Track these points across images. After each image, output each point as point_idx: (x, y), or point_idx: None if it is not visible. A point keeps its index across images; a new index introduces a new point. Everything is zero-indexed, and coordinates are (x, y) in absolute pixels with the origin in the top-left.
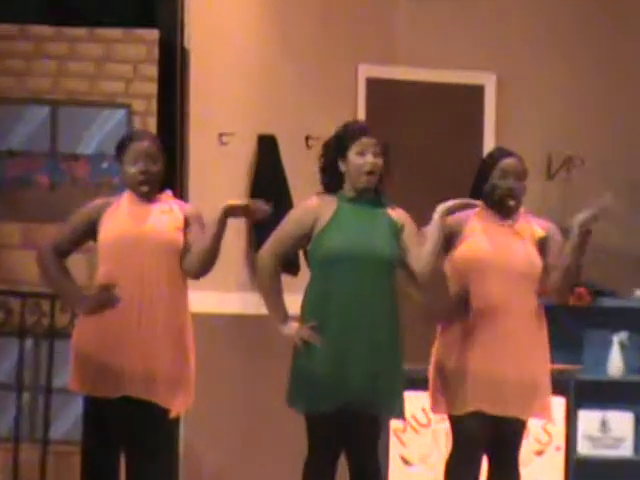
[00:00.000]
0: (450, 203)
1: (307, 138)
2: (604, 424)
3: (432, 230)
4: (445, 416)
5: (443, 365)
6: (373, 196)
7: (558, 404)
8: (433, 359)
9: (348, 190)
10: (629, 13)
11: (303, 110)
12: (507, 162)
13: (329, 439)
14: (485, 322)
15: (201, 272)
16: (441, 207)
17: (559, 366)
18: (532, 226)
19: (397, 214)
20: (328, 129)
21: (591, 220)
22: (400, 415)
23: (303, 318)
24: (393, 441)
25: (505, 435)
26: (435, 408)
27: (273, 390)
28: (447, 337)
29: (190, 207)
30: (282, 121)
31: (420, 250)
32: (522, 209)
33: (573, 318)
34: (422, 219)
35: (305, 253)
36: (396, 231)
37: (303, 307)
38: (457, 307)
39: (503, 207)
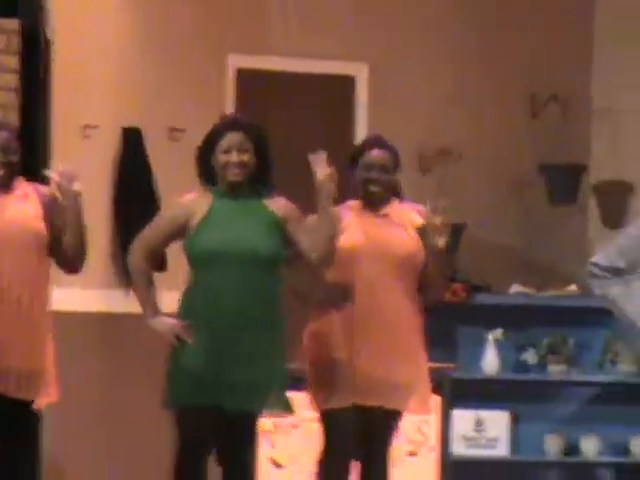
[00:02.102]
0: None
1: (173, 130)
2: (479, 423)
3: (322, 216)
4: (317, 414)
5: (318, 358)
6: (248, 190)
7: (432, 403)
8: (308, 353)
9: (221, 185)
10: (504, 3)
11: (170, 102)
12: (372, 154)
13: (200, 436)
14: (363, 313)
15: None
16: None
17: (433, 364)
18: (410, 214)
19: (278, 206)
20: (196, 121)
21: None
22: (288, 411)
23: (179, 315)
24: (262, 443)
25: (378, 429)
26: (311, 404)
27: (137, 389)
28: (322, 329)
29: (46, 189)
30: (147, 113)
31: (313, 237)
32: (397, 200)
33: (448, 315)
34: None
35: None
36: (277, 224)
37: (180, 304)
38: (335, 298)
39: (369, 197)
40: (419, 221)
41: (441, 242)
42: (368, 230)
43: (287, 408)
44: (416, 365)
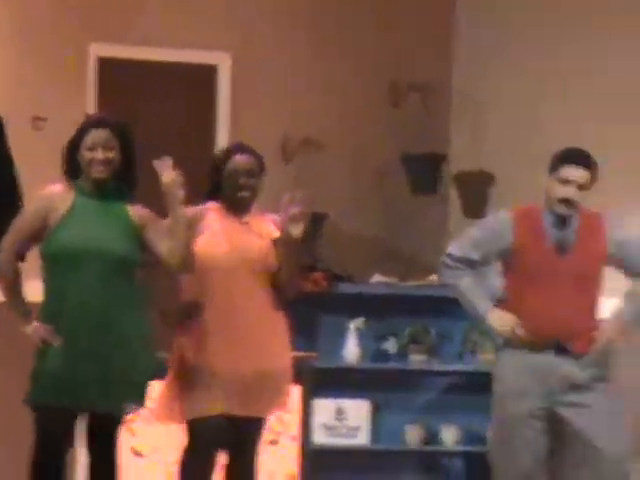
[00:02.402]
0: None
1: (35, 119)
2: (340, 412)
3: (174, 221)
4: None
5: (181, 367)
6: (112, 188)
7: (293, 393)
8: (172, 365)
9: (85, 182)
10: None
11: (31, 90)
12: (237, 159)
13: (56, 435)
14: (222, 320)
15: None
16: (172, 196)
17: (295, 353)
18: (267, 225)
19: (137, 211)
20: (58, 110)
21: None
22: (140, 405)
23: (40, 316)
24: (123, 432)
25: (245, 433)
26: (168, 415)
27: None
28: (184, 336)
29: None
30: (9, 101)
31: (170, 243)
32: (255, 207)
33: (309, 304)
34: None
35: None
36: (134, 228)
37: (40, 305)
38: (192, 306)
39: (238, 202)
40: (275, 234)
41: (297, 231)
42: (230, 236)
43: (140, 403)
44: (281, 368)
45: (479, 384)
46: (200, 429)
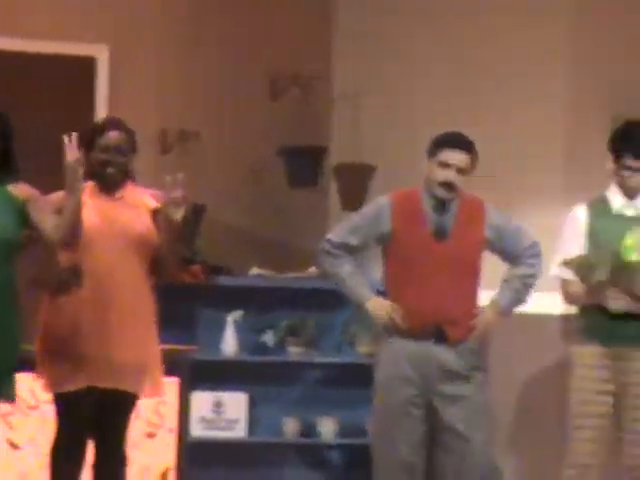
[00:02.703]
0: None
1: None
2: (218, 405)
3: (68, 197)
4: (52, 396)
5: (50, 340)
6: None
7: (171, 385)
8: (40, 335)
9: None
10: None
11: None
12: (108, 135)
13: None
14: (95, 295)
15: None
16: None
17: (172, 346)
18: (145, 198)
19: (19, 190)
20: None
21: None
22: (9, 398)
23: None
24: (1, 425)
25: (113, 412)
26: (43, 386)
27: None
28: (55, 310)
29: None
30: None
31: (57, 219)
32: (130, 183)
33: (187, 296)
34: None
35: None
36: (18, 205)
37: None
38: (67, 278)
39: (105, 179)
40: (153, 204)
41: (178, 215)
42: (103, 212)
43: (11, 396)
44: (150, 347)
45: (357, 376)
46: (66, 403)
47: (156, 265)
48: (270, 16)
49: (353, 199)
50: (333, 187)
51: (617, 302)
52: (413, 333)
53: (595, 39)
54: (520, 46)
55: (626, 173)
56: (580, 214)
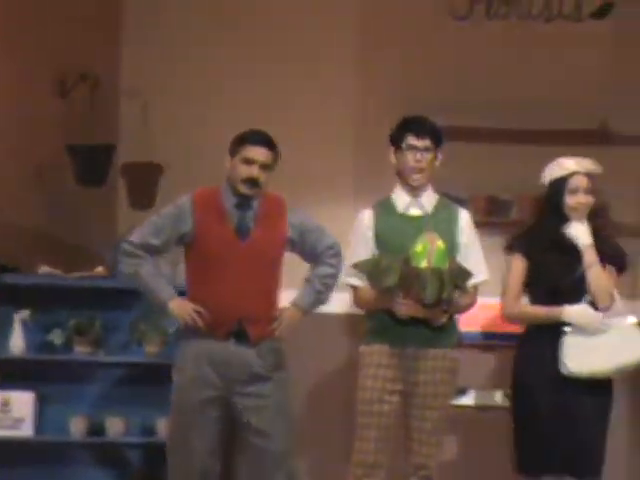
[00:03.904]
0: None
1: None
2: (5, 404)
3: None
4: None
5: None
6: None
7: None
8: None
9: None
10: None
11: None
12: None
13: None
14: None
15: None
16: None
17: None
18: None
19: None
20: None
21: None
22: None
23: None
24: None
25: None
26: None
27: None
28: None
29: None
30: None
31: None
32: None
33: None
34: None
35: None
36: None
37: None
38: None
39: None
40: None
41: None
42: None
43: None
44: None
45: (146, 376)
46: None
47: None
48: (58, 12)
49: (141, 198)
50: (121, 185)
51: (405, 308)
52: (214, 333)
53: (384, 39)
54: (309, 47)
55: (418, 156)
56: (366, 217)
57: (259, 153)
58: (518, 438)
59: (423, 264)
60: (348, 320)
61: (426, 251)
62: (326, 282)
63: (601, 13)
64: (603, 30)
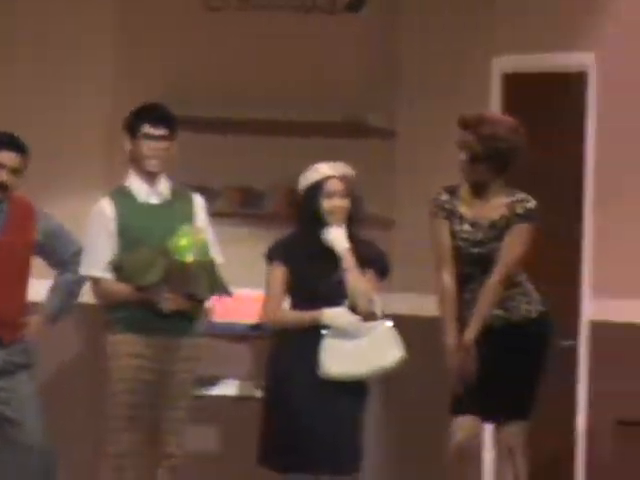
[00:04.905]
0: None
1: None
2: None
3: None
4: None
5: None
6: None
7: None
8: None
9: None
10: None
11: None
12: None
13: None
14: None
15: None
16: None
17: None
18: None
19: None
20: None
21: None
22: None
23: None
24: None
25: None
26: None
27: None
28: None
29: None
30: None
31: None
32: None
33: None
34: None
35: None
36: None
37: None
38: None
39: None
40: None
41: None
42: None
43: None
44: None
45: None
46: None
47: None
48: None
49: None
50: None
51: (171, 303)
52: None
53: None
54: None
55: (151, 144)
56: (107, 208)
57: (7, 158)
58: (266, 430)
59: (189, 258)
60: (92, 310)
61: (190, 245)
62: (72, 289)
63: (355, 6)
64: (357, 23)
